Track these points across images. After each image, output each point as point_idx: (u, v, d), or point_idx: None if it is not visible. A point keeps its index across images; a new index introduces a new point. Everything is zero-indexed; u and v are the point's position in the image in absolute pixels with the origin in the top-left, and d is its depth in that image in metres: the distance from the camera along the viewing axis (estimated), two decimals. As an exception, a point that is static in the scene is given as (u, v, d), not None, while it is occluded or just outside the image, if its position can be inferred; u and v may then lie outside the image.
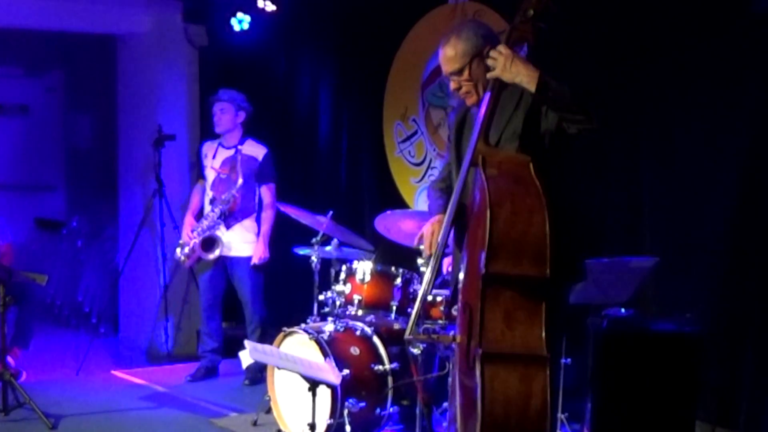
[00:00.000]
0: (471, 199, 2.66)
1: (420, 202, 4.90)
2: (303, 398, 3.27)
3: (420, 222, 3.88)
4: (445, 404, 3.56)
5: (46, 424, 4.07)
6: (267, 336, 4.90)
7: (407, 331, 2.74)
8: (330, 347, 3.71)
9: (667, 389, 3.21)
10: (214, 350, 5.16)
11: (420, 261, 3.74)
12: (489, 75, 2.58)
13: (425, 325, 3.49)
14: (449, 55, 2.73)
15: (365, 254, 4.25)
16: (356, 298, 3.90)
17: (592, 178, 3.91)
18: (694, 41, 3.57)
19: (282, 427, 3.88)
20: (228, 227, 4.92)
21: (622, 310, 3.35)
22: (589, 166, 3.87)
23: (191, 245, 4.89)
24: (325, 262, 4.29)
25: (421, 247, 2.88)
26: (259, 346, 3.31)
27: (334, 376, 3.09)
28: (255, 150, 4.97)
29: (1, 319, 4.20)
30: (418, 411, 3.58)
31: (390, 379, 3.79)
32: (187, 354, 5.71)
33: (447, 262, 3.55)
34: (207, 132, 5.77)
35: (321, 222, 4.22)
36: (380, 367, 3.81)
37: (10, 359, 4.67)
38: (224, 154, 4.97)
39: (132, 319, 6.16)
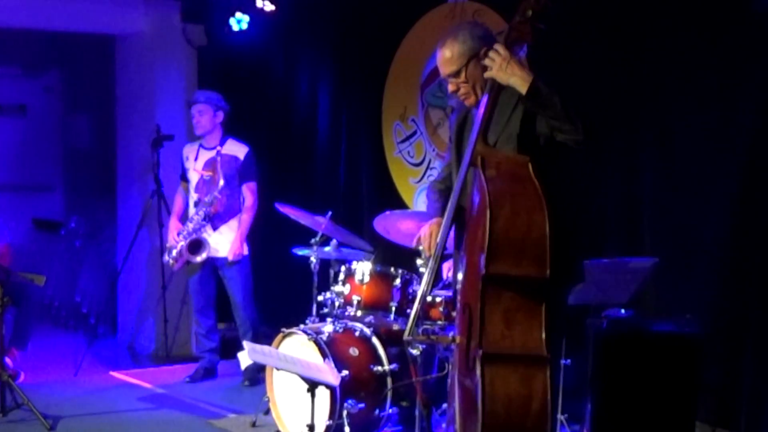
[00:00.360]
0: (470, 200, 2.66)
1: (419, 202, 4.89)
2: (302, 399, 3.26)
3: (419, 222, 3.87)
4: (445, 405, 3.56)
5: (44, 425, 4.06)
6: (259, 337, 4.89)
7: (406, 332, 2.74)
8: (329, 348, 3.70)
9: (666, 390, 3.21)
10: (212, 350, 5.15)
11: (419, 262, 3.74)
12: (486, 75, 2.59)
13: (424, 326, 3.49)
14: (446, 57, 2.75)
15: (364, 255, 4.24)
16: (355, 298, 3.90)
17: (591, 179, 3.90)
18: (694, 41, 3.57)
19: (281, 428, 3.87)
20: (215, 228, 4.91)
21: (622, 310, 3.35)
22: (589, 166, 3.86)
23: (178, 248, 4.88)
24: (324, 263, 4.28)
25: (421, 248, 2.88)
26: (258, 347, 3.30)
27: (333, 377, 3.08)
28: (236, 149, 4.96)
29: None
30: (417, 412, 3.57)
31: (389, 380, 3.79)
32: (186, 355, 5.71)
33: (447, 266, 3.54)
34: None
35: (320, 222, 4.21)
36: (379, 368, 3.80)
37: (8, 360, 4.66)
38: (206, 155, 4.96)
39: (130, 319, 6.15)
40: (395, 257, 4.14)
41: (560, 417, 3.52)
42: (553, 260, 2.43)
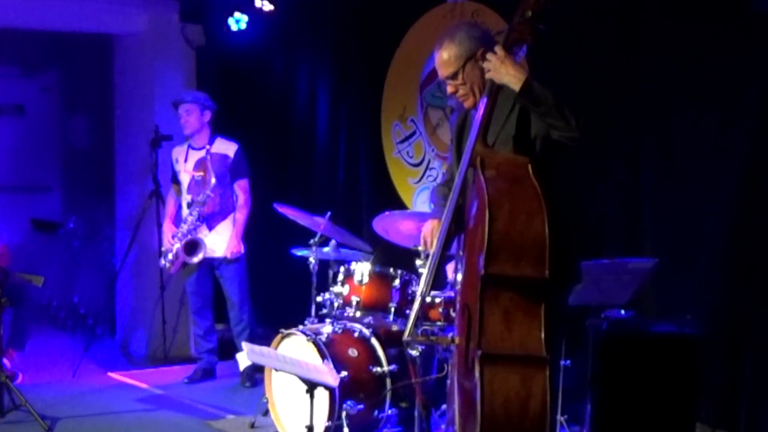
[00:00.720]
0: (469, 200, 2.65)
1: (418, 202, 4.88)
2: (301, 400, 3.25)
3: (419, 223, 3.87)
4: (444, 406, 3.55)
5: (42, 427, 4.05)
6: (255, 336, 4.88)
7: (405, 333, 2.74)
8: (328, 349, 3.69)
9: (667, 391, 3.21)
10: (210, 351, 5.13)
11: (419, 262, 3.72)
12: (487, 76, 2.59)
13: (424, 327, 3.48)
14: (443, 59, 2.75)
15: (363, 255, 4.24)
16: (354, 299, 3.88)
17: (591, 179, 3.90)
18: (694, 41, 3.56)
19: (280, 430, 3.86)
20: (210, 228, 4.89)
21: (622, 311, 3.34)
22: (589, 166, 3.86)
23: (174, 251, 4.86)
24: (323, 264, 4.28)
25: (420, 247, 2.87)
26: (257, 348, 3.29)
27: (332, 378, 3.07)
28: (226, 147, 4.95)
29: (-3, 320, 4.18)
30: (416, 413, 3.56)
31: (388, 381, 3.78)
32: (184, 356, 5.70)
33: (451, 267, 3.54)
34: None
35: (319, 223, 4.20)
36: (378, 368, 3.79)
37: (6, 361, 4.65)
38: (196, 155, 4.95)
39: (128, 320, 6.13)
40: (394, 258, 4.12)
41: (560, 418, 3.52)
42: (553, 261, 2.42)
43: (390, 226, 4.06)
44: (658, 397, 3.21)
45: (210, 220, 4.89)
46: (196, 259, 4.85)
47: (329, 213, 4.19)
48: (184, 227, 4.86)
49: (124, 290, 6.14)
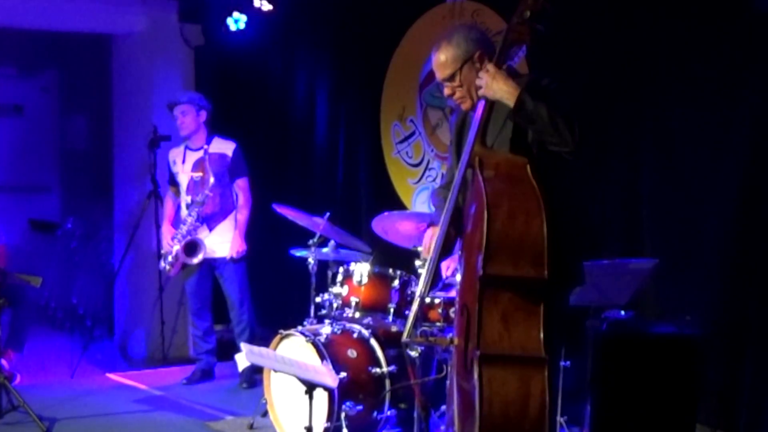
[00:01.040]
0: (468, 201, 2.65)
1: (418, 203, 4.87)
2: (300, 401, 3.24)
3: (418, 223, 3.87)
4: (444, 407, 3.54)
5: (40, 428, 4.04)
6: (255, 337, 4.87)
7: (404, 334, 2.73)
8: (327, 350, 3.68)
9: (667, 392, 3.20)
10: (209, 352, 5.12)
11: (418, 263, 3.72)
12: (479, 93, 2.60)
13: (422, 328, 3.47)
14: (440, 61, 2.75)
15: (362, 256, 4.23)
16: (353, 300, 3.88)
17: (591, 180, 3.89)
18: (694, 41, 3.55)
19: (279, 431, 3.85)
20: (210, 229, 4.88)
21: (622, 312, 3.34)
22: (589, 166, 3.85)
23: (173, 253, 4.85)
24: (322, 264, 4.27)
25: (419, 248, 2.86)
26: (256, 348, 3.28)
27: (331, 379, 3.07)
28: (224, 146, 4.93)
29: (-5, 321, 4.17)
30: (416, 414, 3.55)
31: (387, 382, 3.77)
32: (183, 357, 5.69)
33: (446, 265, 3.53)
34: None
35: (318, 223, 4.20)
36: (378, 369, 3.78)
37: (4, 362, 4.63)
38: (193, 156, 4.93)
39: (127, 321, 6.12)
40: (393, 258, 4.12)
41: (560, 419, 3.50)
42: (552, 262, 2.42)
43: (389, 226, 4.05)
44: (658, 398, 3.20)
45: (210, 221, 4.88)
46: (196, 260, 4.84)
47: (328, 213, 4.18)
48: (184, 228, 4.85)
49: (122, 291, 6.13)
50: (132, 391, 4.97)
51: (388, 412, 3.78)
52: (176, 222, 4.99)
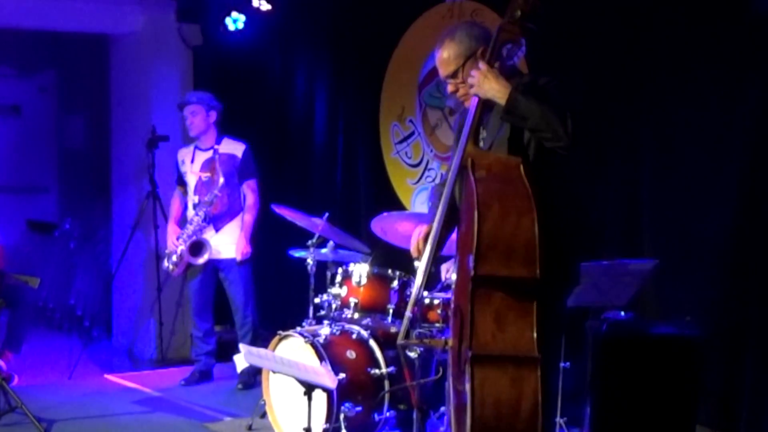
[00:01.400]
0: (463, 202, 2.64)
1: (417, 203, 4.86)
2: (298, 402, 3.23)
3: (417, 224, 3.83)
4: (443, 408, 3.53)
5: (38, 429, 4.02)
6: (259, 339, 4.85)
7: (399, 336, 2.73)
8: (326, 351, 3.67)
9: (667, 393, 3.20)
10: (208, 353, 5.11)
11: (417, 264, 3.70)
12: (471, 92, 2.60)
13: (419, 330, 3.46)
14: (443, 57, 2.75)
15: (361, 257, 4.22)
16: (352, 301, 3.87)
17: (591, 180, 3.88)
18: (694, 41, 3.55)
19: (277, 432, 3.84)
20: (217, 230, 4.86)
21: (622, 313, 3.33)
22: (589, 167, 3.84)
23: (178, 253, 4.83)
24: (321, 265, 4.26)
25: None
26: (254, 349, 3.27)
27: (330, 380, 3.05)
28: (233, 147, 4.92)
29: (-7, 322, 4.16)
30: (415, 415, 3.54)
31: (387, 383, 3.76)
32: (181, 358, 5.66)
33: (446, 267, 3.53)
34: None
35: (317, 224, 4.19)
36: (377, 371, 3.77)
37: (1, 363, 4.63)
38: (202, 156, 4.91)
39: (125, 322, 6.11)
40: (393, 259, 4.10)
41: (559, 420, 3.50)
42: (549, 262, 2.41)
43: (388, 227, 4.04)
44: (658, 399, 3.19)
45: (216, 221, 4.86)
46: (201, 260, 4.82)
47: (327, 214, 4.17)
48: (190, 228, 4.83)
49: (120, 292, 6.12)
50: (130, 393, 4.95)
51: (387, 414, 3.77)
52: (182, 222, 4.97)
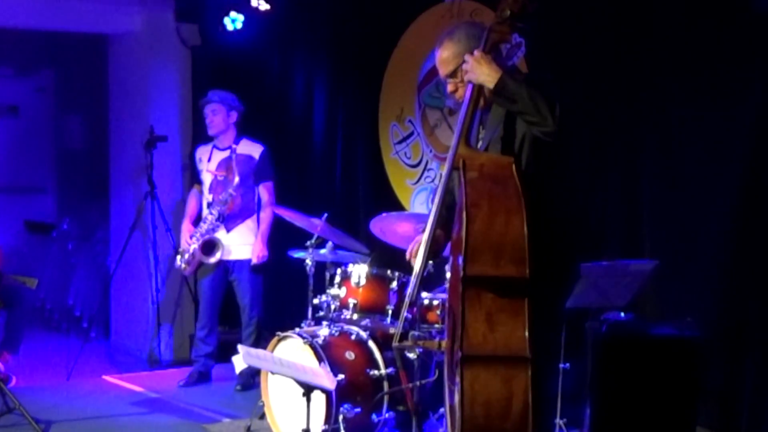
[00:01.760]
0: (456, 203, 2.64)
1: (416, 203, 4.85)
2: (297, 404, 3.23)
3: (416, 224, 3.85)
4: (442, 410, 3.52)
5: (35, 430, 4.01)
6: (262, 340, 4.84)
7: (394, 339, 2.74)
8: (325, 352, 3.66)
9: (667, 394, 3.19)
10: (208, 354, 5.10)
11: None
12: (464, 78, 2.61)
13: (412, 332, 3.45)
14: (442, 57, 2.76)
15: (360, 257, 4.21)
16: (351, 301, 3.86)
17: (591, 180, 3.87)
18: (694, 41, 3.54)
19: (276, 434, 3.83)
20: (228, 230, 4.85)
21: (622, 314, 3.32)
22: (589, 167, 3.83)
23: (191, 251, 4.83)
24: (320, 266, 4.24)
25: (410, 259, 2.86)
26: (253, 350, 3.27)
27: (329, 381, 3.05)
28: (251, 148, 4.91)
29: (-10, 323, 4.15)
30: (414, 417, 3.53)
31: (386, 384, 3.75)
32: (180, 359, 5.66)
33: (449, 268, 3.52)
34: (200, 133, 5.71)
35: (315, 224, 4.18)
36: (376, 372, 3.76)
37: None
38: (219, 156, 4.91)
39: (123, 323, 6.09)
40: (392, 260, 4.09)
41: (559, 421, 3.49)
42: (543, 261, 2.41)
43: (387, 227, 4.04)
44: (658, 400, 3.18)
45: (228, 221, 4.84)
46: (213, 260, 4.81)
47: (326, 214, 4.17)
48: (203, 227, 4.82)
49: (118, 292, 6.10)
50: (128, 394, 4.94)
51: (387, 415, 3.76)
52: (197, 220, 4.95)
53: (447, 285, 3.67)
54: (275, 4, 5.36)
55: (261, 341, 4.80)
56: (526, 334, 2.39)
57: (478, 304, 2.40)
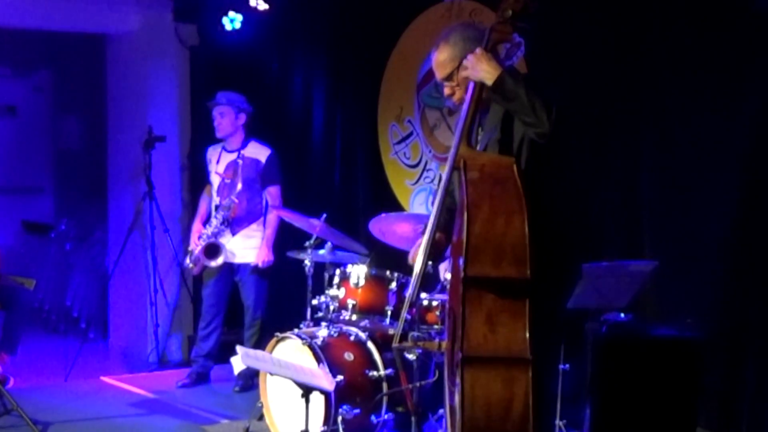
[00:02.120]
0: (457, 204, 2.63)
1: (415, 204, 4.85)
2: (296, 405, 3.21)
3: (415, 225, 3.85)
4: (441, 411, 3.51)
5: (34, 431, 3.99)
6: (263, 342, 4.83)
7: (394, 340, 2.73)
8: (323, 353, 3.65)
9: (667, 395, 3.18)
10: (207, 355, 5.08)
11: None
12: (464, 74, 2.61)
13: (412, 333, 3.45)
14: (438, 60, 2.75)
15: (359, 258, 4.20)
16: (350, 302, 3.85)
17: (591, 181, 3.87)
18: (694, 40, 3.54)
19: (275, 435, 3.82)
20: (234, 233, 4.84)
21: (622, 314, 3.31)
22: (588, 168, 3.83)
23: (196, 252, 4.82)
24: (319, 266, 4.24)
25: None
26: (251, 351, 3.26)
27: (328, 382, 3.04)
28: (258, 152, 4.89)
29: (-12, 324, 4.13)
30: (413, 418, 3.52)
31: (385, 385, 3.74)
32: (178, 360, 5.64)
33: (443, 267, 3.51)
34: (198, 134, 5.71)
35: (314, 225, 4.17)
36: (375, 373, 3.75)
37: (-3, 365, 4.60)
38: (228, 158, 4.89)
39: (122, 324, 6.08)
40: (391, 260, 4.08)
41: (559, 422, 3.48)
42: (543, 262, 2.40)
43: (386, 228, 4.03)
44: (658, 401, 3.18)
45: (234, 225, 4.83)
46: (214, 264, 4.81)
47: (325, 215, 4.16)
48: (209, 229, 4.81)
49: (116, 293, 6.09)
50: (126, 395, 4.93)
51: (386, 416, 3.75)
52: (207, 221, 4.94)
53: (441, 286, 3.67)
54: (274, 3, 5.35)
55: (263, 343, 4.79)
56: (527, 335, 2.38)
57: (478, 305, 2.40)
